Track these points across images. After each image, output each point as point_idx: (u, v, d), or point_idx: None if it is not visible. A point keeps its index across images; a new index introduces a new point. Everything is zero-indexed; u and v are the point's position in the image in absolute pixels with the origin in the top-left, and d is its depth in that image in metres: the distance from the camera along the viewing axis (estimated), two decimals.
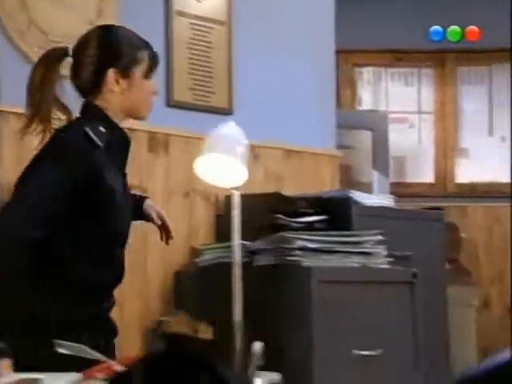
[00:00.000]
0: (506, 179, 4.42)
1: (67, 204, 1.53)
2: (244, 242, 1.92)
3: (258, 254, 1.93)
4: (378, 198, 2.26)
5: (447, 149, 4.36)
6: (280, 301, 1.72)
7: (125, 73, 1.64)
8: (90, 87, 1.65)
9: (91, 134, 1.57)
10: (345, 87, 4.37)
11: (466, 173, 4.39)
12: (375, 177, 4.11)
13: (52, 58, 1.66)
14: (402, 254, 2.06)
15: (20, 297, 1.47)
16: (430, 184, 4.38)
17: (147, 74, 1.68)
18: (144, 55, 1.68)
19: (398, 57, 4.37)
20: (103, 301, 1.62)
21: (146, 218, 1.74)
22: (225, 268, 1.78)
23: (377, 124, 4.12)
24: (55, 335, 1.39)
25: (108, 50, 1.66)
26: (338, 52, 4.46)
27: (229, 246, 1.86)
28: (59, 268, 1.56)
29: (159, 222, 1.71)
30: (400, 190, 4.26)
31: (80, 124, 1.61)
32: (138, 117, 1.70)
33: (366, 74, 4.44)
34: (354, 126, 4.19)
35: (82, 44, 1.67)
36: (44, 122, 1.61)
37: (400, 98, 4.40)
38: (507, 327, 4.21)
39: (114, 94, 1.64)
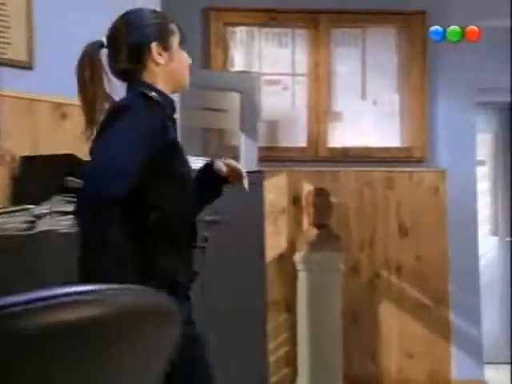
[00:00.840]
0: (377, 143, 4.41)
1: (146, 164, 1.59)
2: (29, 207, 1.81)
3: (40, 219, 1.79)
4: None
5: (320, 112, 4.28)
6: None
7: (165, 45, 1.73)
8: (134, 67, 1.71)
9: (147, 92, 1.66)
10: (216, 47, 4.21)
11: (339, 137, 4.34)
12: (243, 140, 4.01)
13: (92, 52, 1.72)
14: (214, 218, 1.95)
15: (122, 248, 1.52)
16: (302, 148, 4.31)
17: (181, 45, 1.77)
18: (174, 27, 1.77)
19: (271, 16, 4.23)
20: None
21: (221, 177, 1.77)
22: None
23: (247, 86, 3.99)
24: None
25: (144, 27, 1.72)
26: (209, 10, 4.29)
27: (15, 211, 1.75)
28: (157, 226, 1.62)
29: (224, 172, 1.74)
30: (271, 154, 4.18)
31: (133, 91, 1.69)
32: (180, 87, 1.80)
33: (239, 33, 4.29)
34: (223, 88, 4.05)
35: (116, 30, 1.74)
36: (98, 114, 1.68)
37: (273, 60, 4.27)
38: (375, 291, 4.25)
39: (160, 66, 1.71)
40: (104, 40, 1.74)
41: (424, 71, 4.31)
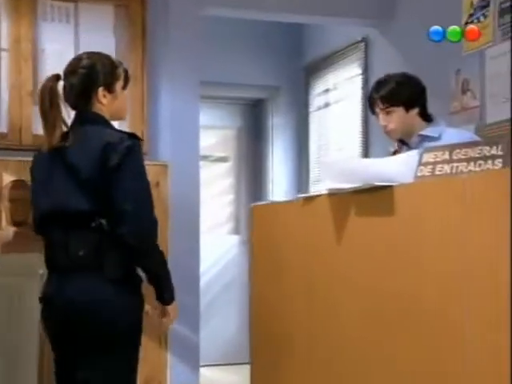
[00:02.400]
0: None
1: None
2: None
3: None
4: None
5: (24, 94, 3.75)
6: None
7: (110, 89, 2.17)
8: (84, 102, 2.16)
9: (137, 134, 2.18)
10: None
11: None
12: None
13: (52, 84, 2.13)
14: None
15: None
16: (3, 134, 3.75)
17: (124, 86, 2.22)
18: (120, 71, 2.21)
19: None
20: None
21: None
22: None
23: None
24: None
25: (95, 74, 2.15)
26: None
27: None
28: None
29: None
30: None
31: (115, 129, 2.19)
32: (119, 119, 2.29)
33: None
34: None
35: (73, 71, 2.16)
36: (57, 133, 2.15)
37: None
38: None
39: (103, 105, 2.17)
40: (61, 74, 2.15)
41: (143, 57, 3.98)
